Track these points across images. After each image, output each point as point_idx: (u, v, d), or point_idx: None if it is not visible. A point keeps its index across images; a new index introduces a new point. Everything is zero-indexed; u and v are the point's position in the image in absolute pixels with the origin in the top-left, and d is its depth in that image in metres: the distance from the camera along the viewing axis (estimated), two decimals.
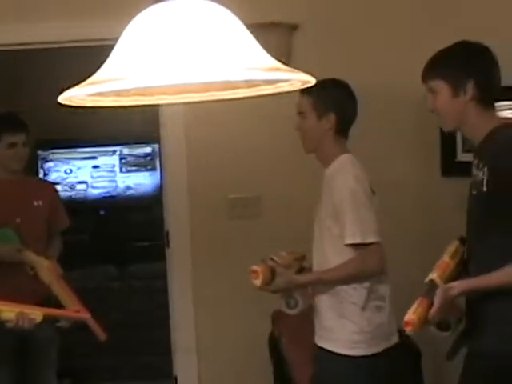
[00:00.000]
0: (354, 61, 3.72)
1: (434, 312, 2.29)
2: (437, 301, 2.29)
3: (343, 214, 2.76)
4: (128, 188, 7.32)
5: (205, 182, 3.81)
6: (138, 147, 7.39)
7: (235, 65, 1.25)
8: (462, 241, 2.52)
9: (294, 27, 3.70)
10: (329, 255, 2.85)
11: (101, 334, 3.19)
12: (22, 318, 2.76)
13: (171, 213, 3.89)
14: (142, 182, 7.37)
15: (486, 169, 2.30)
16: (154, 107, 4.09)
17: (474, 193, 2.39)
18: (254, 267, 2.82)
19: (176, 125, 3.80)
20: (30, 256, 3.40)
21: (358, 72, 3.45)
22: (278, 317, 3.67)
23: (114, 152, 7.32)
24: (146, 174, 7.38)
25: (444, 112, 2.44)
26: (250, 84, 1.41)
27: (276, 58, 1.33)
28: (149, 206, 7.19)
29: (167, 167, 3.88)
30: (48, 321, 3.06)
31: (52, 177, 7.08)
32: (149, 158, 7.42)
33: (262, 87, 1.41)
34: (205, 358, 3.89)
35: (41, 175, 6.98)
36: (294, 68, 3.61)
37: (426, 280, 2.39)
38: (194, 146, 3.81)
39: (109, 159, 7.30)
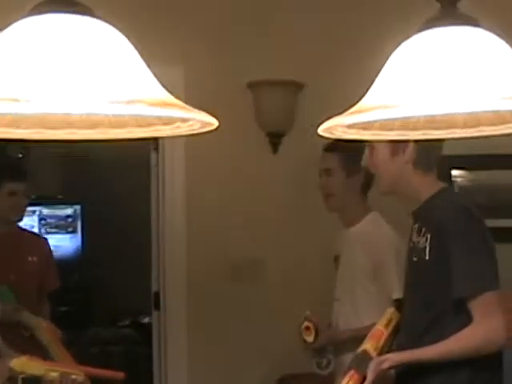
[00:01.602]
0: None
1: None
2: (370, 375, 2.18)
3: (388, 270, 2.76)
4: None
5: (203, 246, 3.64)
6: (59, 208, 7.06)
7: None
8: (398, 308, 2.43)
9: (299, 86, 3.66)
10: (362, 314, 2.83)
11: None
12: (66, 378, 2.49)
13: (166, 273, 3.66)
14: (62, 244, 7.01)
15: (429, 236, 2.21)
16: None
17: (415, 259, 2.28)
18: (307, 324, 2.82)
19: (176, 188, 3.65)
20: (28, 316, 3.10)
21: None
22: (285, 381, 3.53)
23: (34, 212, 6.92)
24: (67, 236, 7.05)
25: (381, 170, 2.37)
26: None
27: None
28: (70, 271, 6.86)
29: (165, 227, 3.67)
30: None
31: None
32: (70, 219, 7.09)
33: None
34: None
35: None
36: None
37: (359, 350, 2.29)
38: (193, 208, 3.65)
39: (28, 220, 6.88)
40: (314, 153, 3.22)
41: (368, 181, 2.91)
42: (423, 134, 1.56)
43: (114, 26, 1.21)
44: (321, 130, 1.43)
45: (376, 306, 2.74)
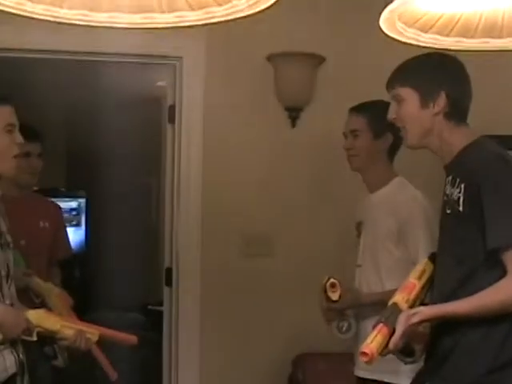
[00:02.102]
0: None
1: (395, 341, 2.06)
2: (399, 328, 2.05)
3: (414, 233, 2.68)
4: None
5: (218, 220, 3.56)
6: (63, 201, 6.96)
7: None
8: (432, 259, 2.30)
9: (320, 59, 3.59)
10: (385, 279, 2.75)
11: (112, 374, 2.82)
12: (81, 336, 2.40)
13: (179, 250, 3.57)
14: None
15: (462, 186, 2.10)
16: None
17: (449, 212, 2.18)
18: (333, 280, 2.70)
19: (192, 162, 3.57)
20: (38, 282, 2.98)
21: None
22: (301, 360, 3.43)
23: None
24: (71, 229, 6.94)
25: (410, 123, 2.23)
26: None
27: None
28: (73, 264, 6.76)
29: (180, 201, 3.58)
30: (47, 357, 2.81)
31: None
32: (74, 213, 7.00)
33: None
34: None
35: None
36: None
37: (389, 303, 2.17)
38: (208, 182, 3.57)
39: None
40: (332, 127, 3.16)
41: (394, 145, 2.84)
42: (481, 43, 1.48)
43: None
44: (382, 20, 1.36)
45: (400, 271, 2.63)
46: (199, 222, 3.54)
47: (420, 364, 2.28)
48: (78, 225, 6.98)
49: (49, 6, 1.27)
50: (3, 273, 2.34)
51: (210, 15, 1.29)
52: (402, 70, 2.27)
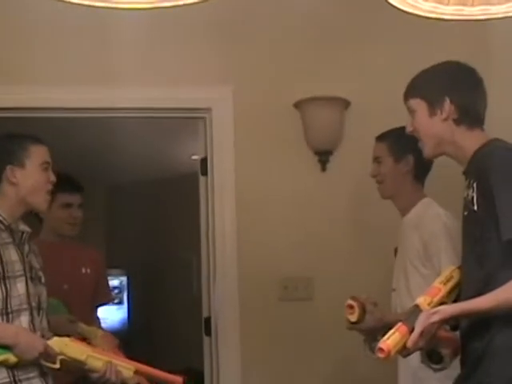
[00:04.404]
0: None
1: (413, 338, 2.02)
2: (417, 326, 2.03)
3: (437, 248, 2.69)
4: None
5: (254, 265, 3.56)
6: None
7: None
8: (461, 268, 2.27)
9: (346, 103, 3.67)
10: (416, 298, 2.68)
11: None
12: (111, 369, 2.36)
13: (217, 298, 3.58)
14: (107, 316, 6.94)
15: (475, 185, 2.10)
16: None
17: (466, 214, 2.19)
18: (350, 302, 2.62)
19: (226, 211, 3.61)
20: (83, 326, 3.01)
21: None
22: None
23: None
24: (113, 307, 6.98)
25: (423, 133, 2.28)
26: None
27: None
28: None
29: (216, 250, 3.61)
30: None
31: None
32: (116, 291, 7.05)
33: None
34: None
35: None
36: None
37: (412, 304, 2.17)
38: (243, 229, 3.59)
39: None
40: (362, 168, 3.19)
41: (419, 167, 2.89)
42: (482, 10, 1.52)
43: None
44: None
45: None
46: (235, 268, 3.56)
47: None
48: (120, 303, 7.02)
49: None
50: (34, 304, 2.39)
51: None
52: (412, 82, 2.36)
